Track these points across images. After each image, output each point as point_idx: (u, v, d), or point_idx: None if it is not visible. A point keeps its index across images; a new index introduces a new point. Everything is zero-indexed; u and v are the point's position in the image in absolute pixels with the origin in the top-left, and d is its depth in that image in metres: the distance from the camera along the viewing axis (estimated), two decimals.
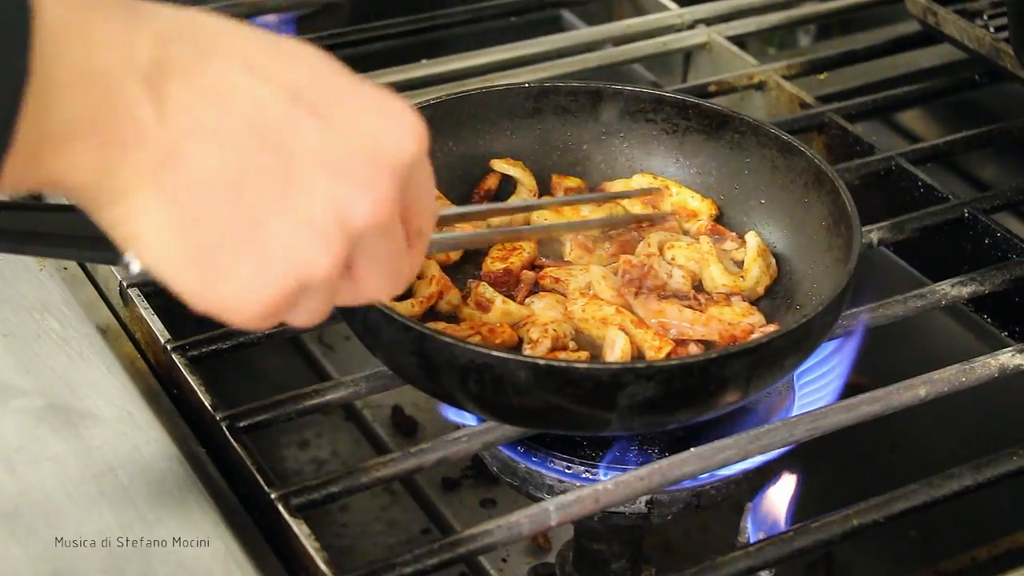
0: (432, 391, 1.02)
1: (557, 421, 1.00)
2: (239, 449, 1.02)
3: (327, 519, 1.69)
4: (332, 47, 1.62)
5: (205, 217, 0.75)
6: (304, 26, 1.72)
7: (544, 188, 1.24)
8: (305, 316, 0.81)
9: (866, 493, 1.05)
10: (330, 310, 0.82)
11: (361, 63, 1.54)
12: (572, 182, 1.25)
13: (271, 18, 1.64)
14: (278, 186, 0.76)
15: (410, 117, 0.80)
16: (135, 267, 0.78)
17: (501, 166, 1.23)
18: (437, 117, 1.22)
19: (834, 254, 1.12)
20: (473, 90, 1.26)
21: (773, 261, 1.17)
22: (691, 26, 1.62)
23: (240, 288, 0.76)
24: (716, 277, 1.14)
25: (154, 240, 0.75)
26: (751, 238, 1.17)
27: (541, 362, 0.94)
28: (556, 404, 0.96)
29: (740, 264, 1.17)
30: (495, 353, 0.94)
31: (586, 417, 0.97)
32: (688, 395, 0.97)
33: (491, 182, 1.24)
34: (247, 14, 1.63)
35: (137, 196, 0.74)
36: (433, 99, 1.23)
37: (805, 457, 1.75)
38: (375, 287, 0.83)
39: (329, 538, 1.67)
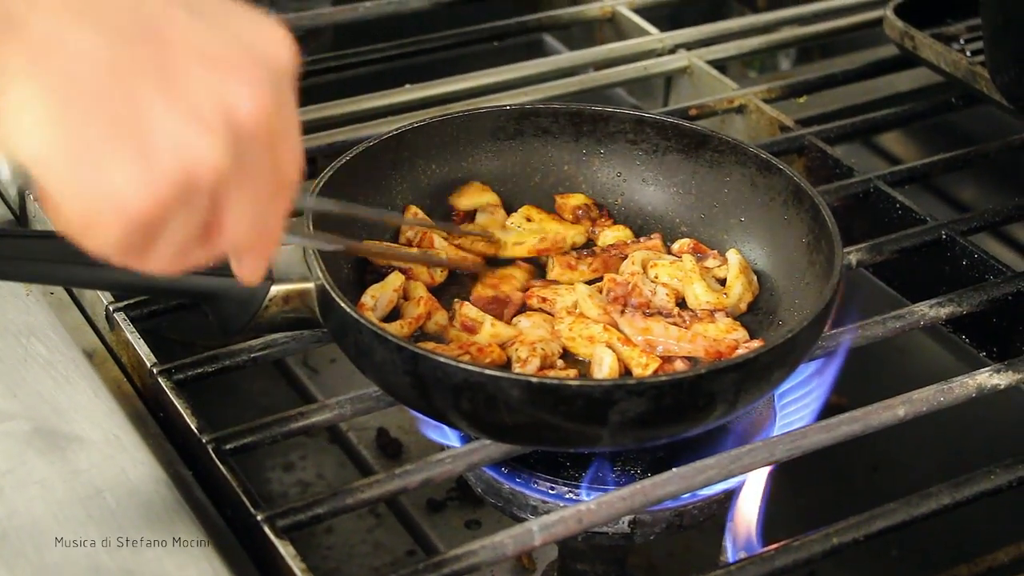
0: (425, 411, 1.03)
1: (549, 438, 1.01)
2: (225, 471, 1.02)
3: (313, 541, 1.69)
4: (316, 72, 1.63)
5: (84, 105, 0.72)
6: None
7: (512, 209, 1.26)
8: (169, 249, 0.77)
9: (848, 513, 1.06)
10: (188, 260, 0.79)
11: (345, 88, 1.57)
12: (576, 199, 1.26)
13: None
14: (159, 75, 0.73)
15: (282, 30, 0.79)
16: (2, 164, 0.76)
17: (463, 203, 1.25)
18: (420, 139, 1.24)
19: (815, 270, 1.13)
20: (455, 113, 1.27)
21: (755, 278, 1.19)
22: (672, 51, 1.63)
23: (121, 183, 0.73)
24: (699, 294, 1.16)
25: (30, 132, 0.73)
26: (732, 255, 1.19)
27: (534, 380, 0.96)
28: (548, 421, 0.97)
29: (722, 281, 1.18)
30: (488, 372, 0.95)
31: (578, 433, 0.99)
32: (678, 410, 0.98)
33: (467, 207, 1.25)
34: None
35: (14, 87, 0.72)
36: (416, 122, 1.25)
37: (788, 478, 1.76)
38: (241, 230, 0.79)
39: (315, 560, 1.68)
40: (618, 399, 0.94)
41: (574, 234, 1.22)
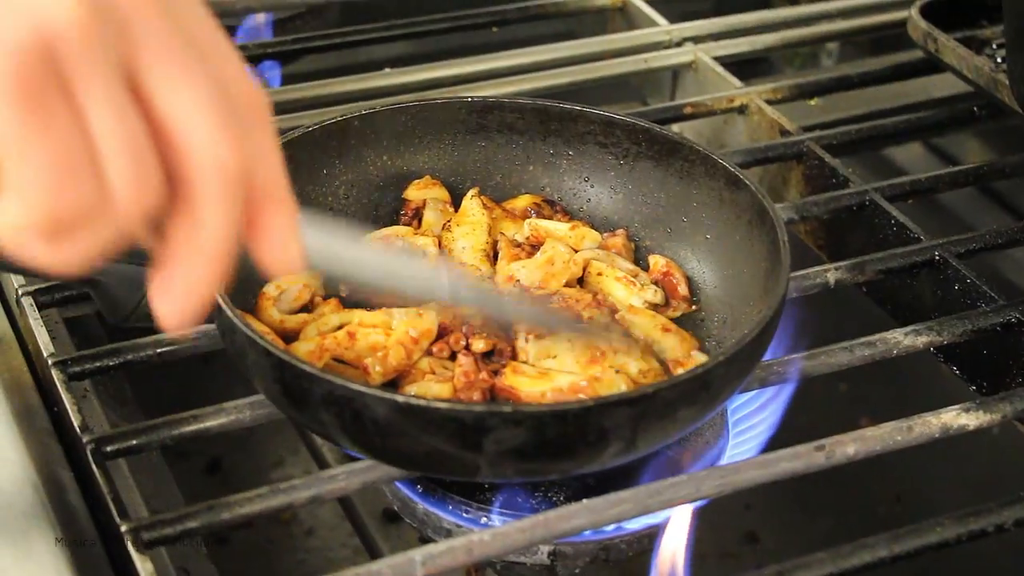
0: (300, 422, 0.95)
1: (423, 463, 0.92)
2: (98, 475, 0.95)
3: (293, 544, 1.64)
4: (317, 49, 1.56)
5: None
6: (288, 28, 1.66)
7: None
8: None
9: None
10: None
11: (341, 69, 1.50)
12: (524, 200, 1.18)
13: (254, 18, 1.59)
14: None
15: None
16: None
17: (415, 195, 1.16)
18: (369, 129, 1.17)
19: (768, 300, 1.03)
20: (410, 102, 1.19)
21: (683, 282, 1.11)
22: (679, 44, 1.53)
23: None
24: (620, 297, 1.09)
25: None
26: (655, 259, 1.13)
27: (399, 399, 0.86)
28: (419, 445, 0.88)
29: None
30: (352, 386, 0.86)
31: (453, 460, 0.89)
32: (563, 444, 0.88)
33: (417, 200, 1.17)
34: (225, 14, 1.57)
35: None
36: (365, 109, 1.17)
37: (806, 503, 1.67)
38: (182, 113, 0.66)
39: (291, 563, 1.63)
40: (492, 427, 0.85)
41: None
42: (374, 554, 1.42)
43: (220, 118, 0.67)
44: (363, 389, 0.85)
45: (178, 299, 0.69)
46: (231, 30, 1.58)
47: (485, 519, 1.01)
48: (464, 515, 1.01)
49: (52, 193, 0.63)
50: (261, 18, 1.63)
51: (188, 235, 0.68)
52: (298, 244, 0.72)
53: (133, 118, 0.64)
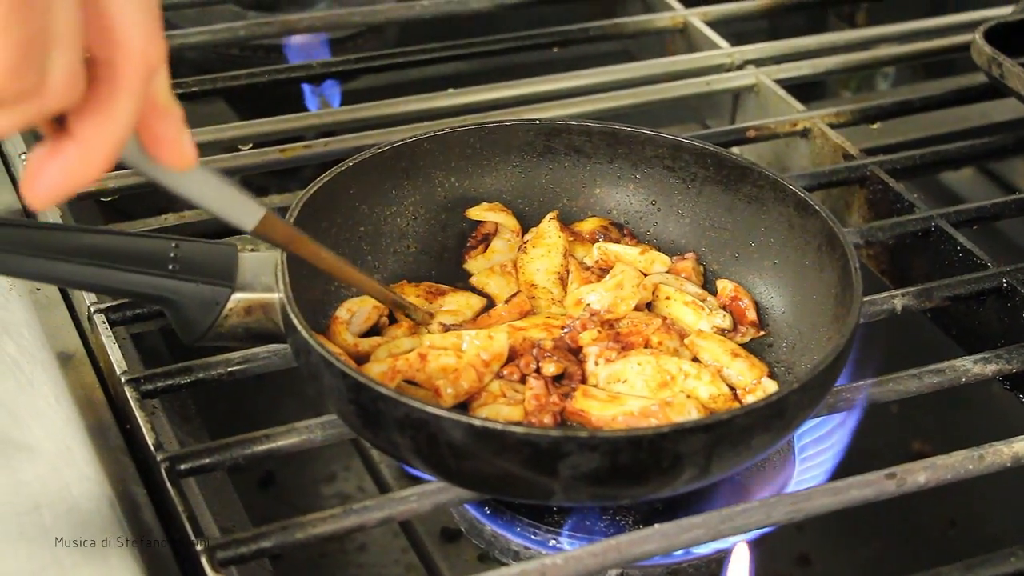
0: (375, 443, 0.95)
1: (497, 486, 0.92)
2: (173, 493, 0.96)
3: (345, 559, 1.63)
4: (378, 68, 1.56)
5: None
6: (347, 47, 1.67)
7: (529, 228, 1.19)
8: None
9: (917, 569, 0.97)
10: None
11: (402, 88, 1.50)
12: (592, 223, 1.18)
13: (305, 37, 1.59)
14: None
15: None
16: None
17: (479, 214, 1.16)
18: (438, 150, 1.17)
19: (838, 326, 1.03)
20: (478, 124, 1.19)
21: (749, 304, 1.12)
22: (740, 66, 1.53)
23: None
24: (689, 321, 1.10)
25: None
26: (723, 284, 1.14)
27: (476, 423, 0.87)
28: (494, 468, 0.88)
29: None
30: (428, 409, 0.87)
31: (528, 484, 0.90)
32: (638, 470, 0.88)
33: (488, 226, 1.17)
34: (288, 31, 1.58)
35: None
36: (435, 131, 1.17)
37: (857, 526, 1.65)
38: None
39: None
40: (568, 451, 0.85)
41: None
42: (432, 573, 1.42)
43: (152, 22, 0.74)
44: (439, 412, 0.86)
45: (61, 179, 0.74)
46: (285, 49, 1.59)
47: (553, 541, 1.01)
48: (532, 537, 1.01)
49: (6, 74, 0.68)
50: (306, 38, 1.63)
51: (95, 122, 0.73)
52: (191, 143, 0.80)
53: (81, 14, 0.70)
